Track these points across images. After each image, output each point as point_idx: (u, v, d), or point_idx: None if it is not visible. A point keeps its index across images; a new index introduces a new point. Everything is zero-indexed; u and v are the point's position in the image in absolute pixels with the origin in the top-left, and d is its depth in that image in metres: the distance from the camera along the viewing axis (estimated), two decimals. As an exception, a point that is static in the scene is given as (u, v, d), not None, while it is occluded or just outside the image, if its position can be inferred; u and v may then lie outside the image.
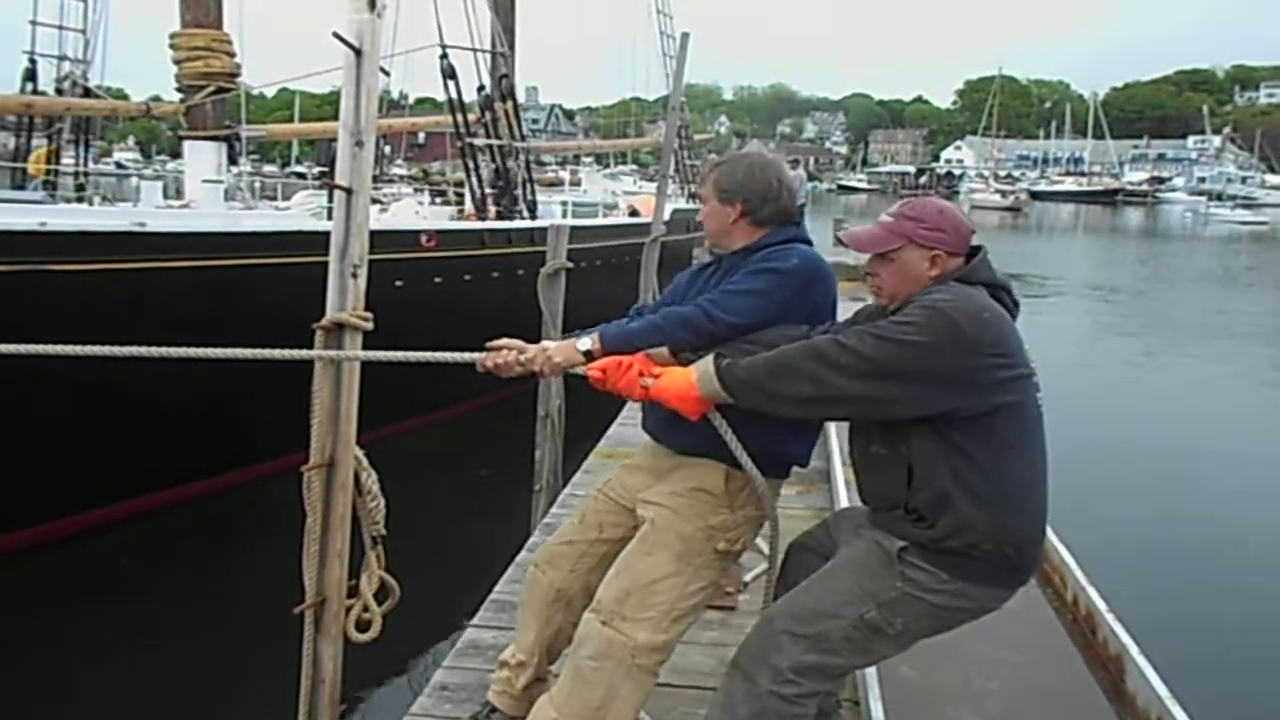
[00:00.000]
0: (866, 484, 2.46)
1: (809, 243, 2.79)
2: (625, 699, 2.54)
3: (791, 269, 2.61)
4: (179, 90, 9.91)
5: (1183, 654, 4.30)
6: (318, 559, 2.64)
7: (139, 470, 7.29)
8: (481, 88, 11.89)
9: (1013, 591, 2.36)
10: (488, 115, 11.67)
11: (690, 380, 2.35)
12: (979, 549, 2.23)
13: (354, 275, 2.54)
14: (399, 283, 8.69)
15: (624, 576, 2.61)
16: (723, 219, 2.76)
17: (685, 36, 13.03)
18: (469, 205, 11.99)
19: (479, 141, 11.49)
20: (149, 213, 8.04)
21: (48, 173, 10.74)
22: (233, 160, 10.22)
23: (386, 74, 11.95)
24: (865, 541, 2.39)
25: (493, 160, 11.69)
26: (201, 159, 9.85)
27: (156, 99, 13.52)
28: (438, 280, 9.45)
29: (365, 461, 2.68)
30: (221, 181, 9.92)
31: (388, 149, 19.39)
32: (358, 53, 2.46)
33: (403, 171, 20.73)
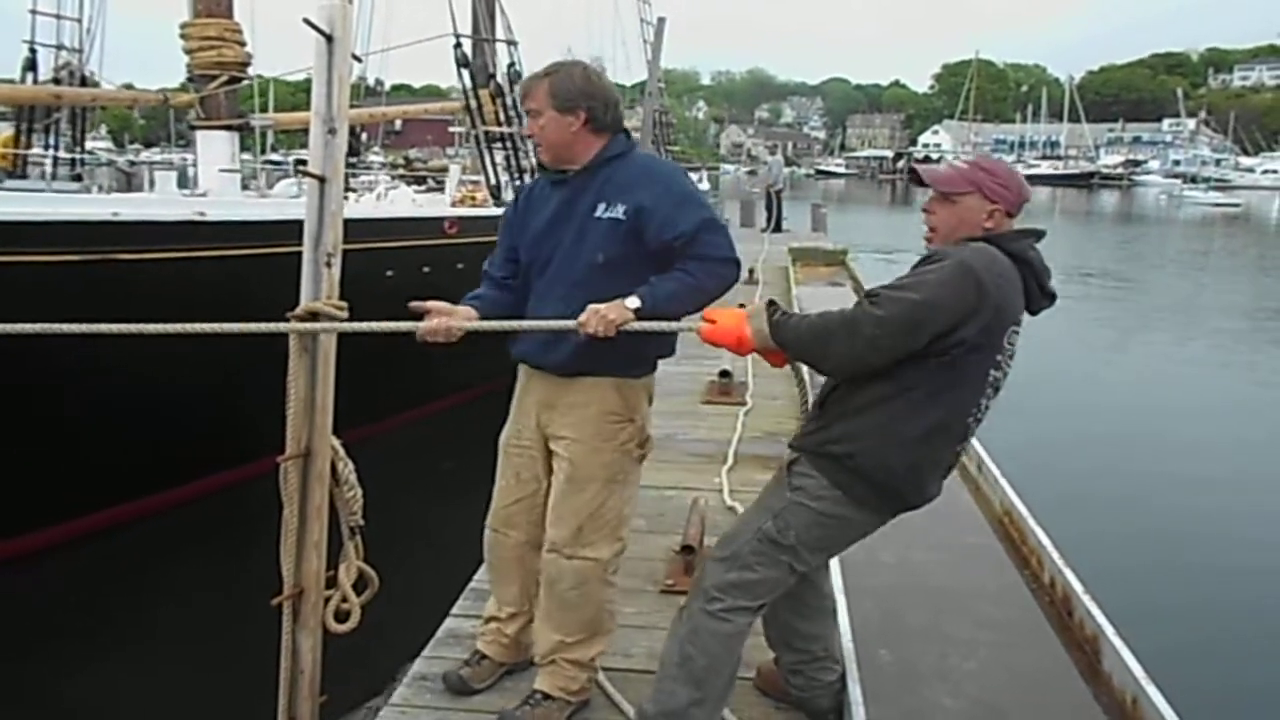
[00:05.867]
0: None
1: None
2: (609, 600, 2.94)
3: (686, 177, 2.83)
4: (190, 80, 9.86)
5: (1159, 636, 4.34)
6: (295, 550, 2.63)
7: (138, 471, 7.22)
8: (491, 76, 11.86)
9: (884, 517, 2.52)
10: (498, 103, 11.62)
11: (745, 329, 2.44)
12: (853, 460, 2.40)
13: (328, 264, 2.53)
14: (426, 269, 8.77)
15: (569, 517, 2.82)
16: (564, 129, 2.75)
17: (662, 21, 12.98)
18: (450, 192, 11.92)
19: (494, 129, 11.44)
20: (208, 202, 8.02)
21: (52, 161, 10.70)
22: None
23: (359, 60, 11.85)
24: (776, 472, 2.63)
25: (504, 147, 11.64)
26: (214, 149, 9.80)
27: (129, 87, 13.40)
28: (460, 266, 9.50)
29: (342, 451, 2.67)
30: (238, 170, 9.88)
31: (364, 136, 19.24)
32: (329, 39, 2.43)
33: (380, 159, 20.56)
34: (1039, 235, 2.48)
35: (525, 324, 2.77)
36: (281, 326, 2.50)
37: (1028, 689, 3.43)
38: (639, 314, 2.57)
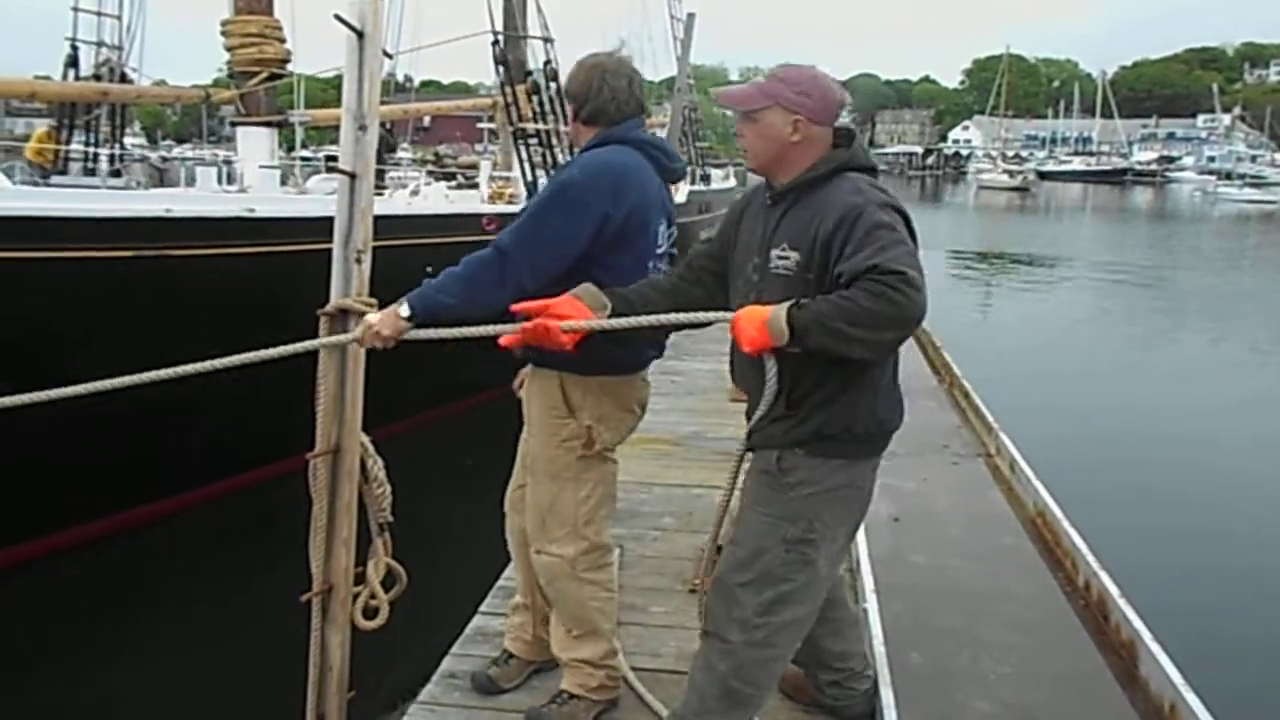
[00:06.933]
0: (753, 385, 2.42)
1: (633, 143, 2.81)
2: (593, 598, 2.90)
3: (563, 183, 2.71)
4: (229, 76, 9.99)
5: (1197, 639, 4.26)
6: (324, 547, 2.63)
7: (169, 470, 7.27)
8: (529, 73, 11.91)
9: (880, 453, 2.49)
10: (535, 100, 11.65)
11: (764, 317, 2.16)
12: (850, 430, 2.35)
13: (358, 261, 2.52)
14: None
15: (532, 511, 2.90)
16: (571, 120, 2.90)
17: (691, 17, 12.95)
18: (484, 189, 11.95)
19: (530, 126, 11.47)
20: (255, 198, 8.12)
21: (89, 157, 10.86)
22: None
23: (390, 56, 11.88)
24: (752, 479, 2.51)
25: (540, 144, 11.66)
26: (254, 145, 9.90)
27: (160, 83, 13.52)
28: None
29: (371, 448, 2.66)
30: (278, 167, 9.98)
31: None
32: (360, 35, 2.43)
33: (410, 155, 20.63)
34: (851, 133, 2.43)
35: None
36: (313, 343, 2.52)
37: (1062, 694, 3.38)
38: (413, 321, 2.49)
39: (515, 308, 2.52)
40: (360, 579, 2.70)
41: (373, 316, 2.49)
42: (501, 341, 2.52)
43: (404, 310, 2.50)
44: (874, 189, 2.28)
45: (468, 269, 2.61)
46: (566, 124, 12.07)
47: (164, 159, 14.66)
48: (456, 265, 2.63)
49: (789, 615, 2.42)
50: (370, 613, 2.70)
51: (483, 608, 3.77)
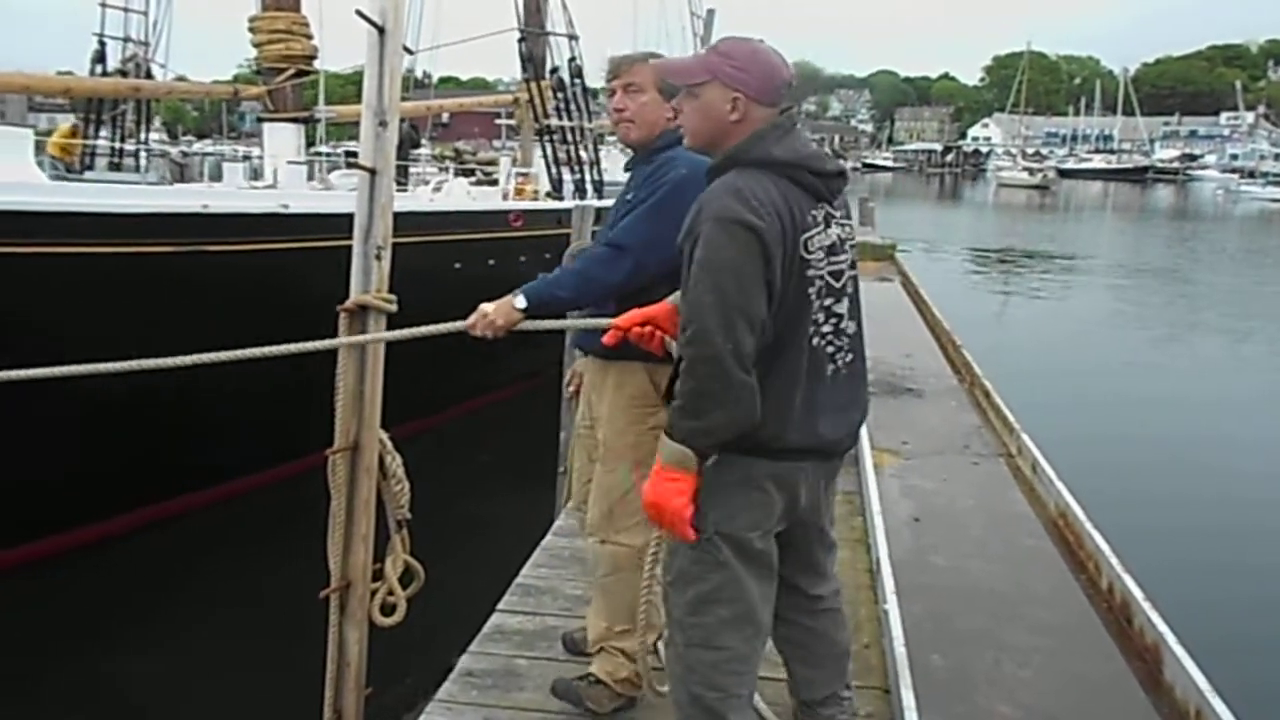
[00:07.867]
0: None
1: None
2: (651, 591, 2.68)
3: (679, 182, 2.65)
4: (257, 72, 10.06)
5: (1223, 643, 4.21)
6: (343, 543, 2.63)
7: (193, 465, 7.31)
8: (554, 70, 11.97)
9: (778, 460, 2.21)
10: (559, 97, 11.69)
11: (662, 462, 2.11)
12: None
13: (378, 257, 2.52)
14: (491, 261, 8.97)
15: (601, 498, 2.85)
16: (661, 113, 2.72)
17: (711, 14, 12.91)
18: (505, 185, 11.98)
19: (554, 122, 11.52)
20: (289, 195, 8.19)
21: (114, 151, 10.95)
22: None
23: (410, 52, 11.91)
24: None
25: (565, 141, 11.71)
26: (281, 140, 9.96)
27: (182, 78, 13.60)
28: (523, 259, 9.60)
29: (390, 445, 2.66)
30: (304, 163, 10.04)
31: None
32: (381, 31, 2.42)
33: (428, 151, 20.67)
34: (789, 113, 2.21)
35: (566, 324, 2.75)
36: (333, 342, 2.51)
37: (1085, 698, 3.34)
38: (527, 313, 2.54)
39: (619, 323, 2.49)
40: (378, 575, 2.69)
41: (487, 306, 2.55)
42: (606, 340, 2.52)
43: (519, 302, 2.55)
44: (729, 195, 2.07)
45: (585, 264, 2.69)
46: (590, 120, 12.09)
47: (184, 154, 14.73)
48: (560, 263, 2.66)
49: (721, 614, 2.26)
50: (388, 609, 2.69)
51: (500, 605, 3.75)
